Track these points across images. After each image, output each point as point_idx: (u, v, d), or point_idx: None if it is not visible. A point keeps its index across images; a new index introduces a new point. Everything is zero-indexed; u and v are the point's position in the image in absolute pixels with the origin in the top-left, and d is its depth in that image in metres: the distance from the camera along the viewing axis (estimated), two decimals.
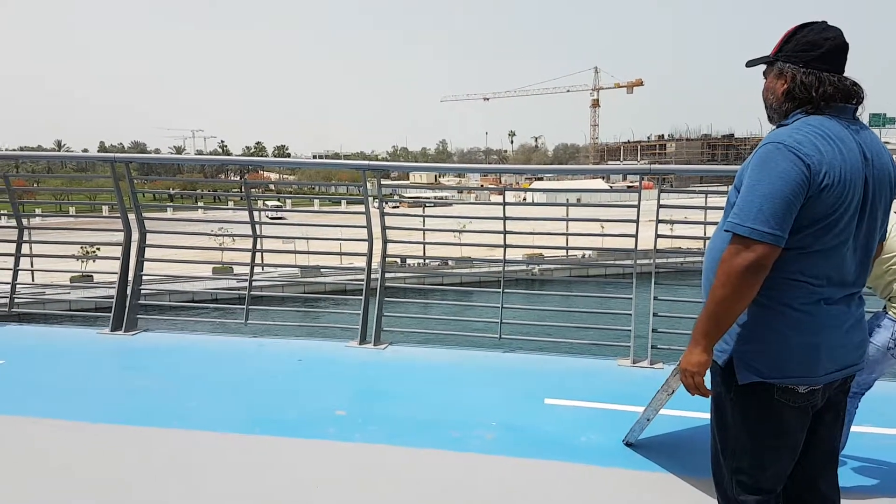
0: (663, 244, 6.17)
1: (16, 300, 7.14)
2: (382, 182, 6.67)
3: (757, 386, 2.38)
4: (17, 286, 7.20)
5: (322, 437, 4.26)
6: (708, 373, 2.42)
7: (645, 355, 5.91)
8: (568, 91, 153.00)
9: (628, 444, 4.19)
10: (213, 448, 4.11)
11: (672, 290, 6.32)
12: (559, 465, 3.96)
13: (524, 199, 58.13)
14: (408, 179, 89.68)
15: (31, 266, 8.33)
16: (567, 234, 7.67)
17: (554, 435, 4.39)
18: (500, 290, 6.36)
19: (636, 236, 6.07)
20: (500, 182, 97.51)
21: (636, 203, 6.01)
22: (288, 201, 39.24)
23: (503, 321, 6.24)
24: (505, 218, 6.30)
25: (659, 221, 5.94)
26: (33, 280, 8.83)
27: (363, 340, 6.29)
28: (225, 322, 7.38)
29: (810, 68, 2.35)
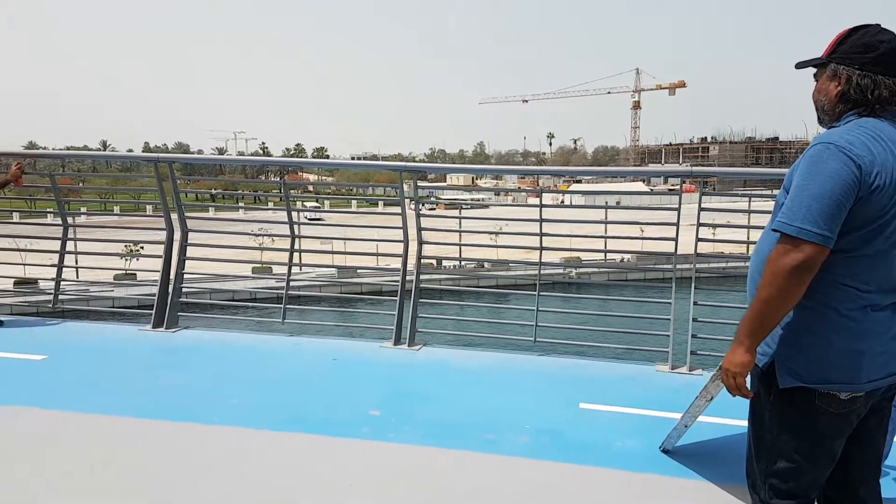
0: (704, 248, 6.06)
1: (60, 297, 7.32)
2: (419, 184, 6.68)
3: (797, 390, 2.33)
4: (62, 284, 7.38)
5: (356, 436, 4.26)
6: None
7: (684, 361, 5.82)
8: (608, 93, 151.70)
9: (665, 451, 4.12)
10: (250, 444, 4.14)
11: (713, 295, 6.19)
12: (594, 470, 3.90)
13: (562, 201, 57.79)
14: (445, 181, 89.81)
15: (76, 263, 8.52)
16: (605, 238, 7.61)
17: (589, 440, 4.34)
18: (536, 292, 6.31)
19: (676, 240, 5.97)
20: (538, 184, 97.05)
21: (676, 206, 5.92)
22: (326, 202, 39.63)
23: (538, 324, 6.19)
24: (541, 220, 6.25)
25: (700, 225, 5.84)
26: (78, 277, 9.03)
27: (397, 341, 6.30)
28: (263, 321, 7.46)
29: (865, 70, 2.30)
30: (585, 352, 6.75)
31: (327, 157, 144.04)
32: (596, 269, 34.62)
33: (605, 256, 36.53)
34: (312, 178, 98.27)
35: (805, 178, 2.19)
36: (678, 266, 5.98)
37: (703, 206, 5.75)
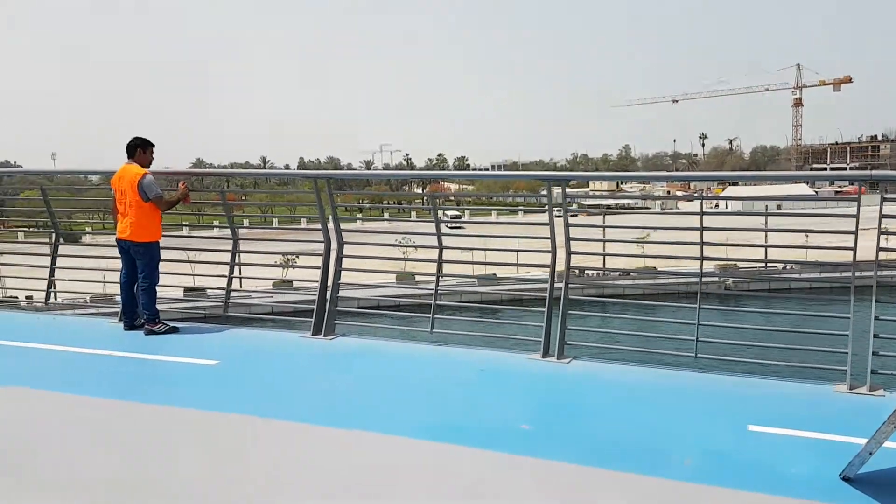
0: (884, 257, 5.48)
1: (228, 304, 7.84)
2: (558, 190, 6.53)
3: None
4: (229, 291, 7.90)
5: (506, 450, 4.21)
6: None
7: (863, 381, 5.29)
8: (766, 90, 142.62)
9: (846, 479, 3.75)
10: (404, 453, 4.22)
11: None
12: (766, 497, 3.64)
13: (716, 205, 55.04)
14: (587, 187, 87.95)
15: (240, 273, 9.11)
16: (766, 246, 7.13)
17: (759, 464, 4.05)
18: (697, 304, 5.95)
19: (854, 248, 5.45)
20: (690, 188, 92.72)
21: (851, 211, 5.42)
22: (466, 211, 40.12)
23: (699, 339, 5.84)
24: (702, 228, 5.91)
25: (882, 232, 5.30)
26: (241, 286, 9.67)
27: (546, 353, 6.17)
28: (412, 329, 7.60)
29: None
30: (752, 369, 6.30)
31: (468, 166, 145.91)
32: (754, 278, 32.50)
33: (766, 265, 34.28)
34: (454, 187, 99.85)
35: None
36: (856, 275, 5.45)
37: (884, 212, 5.23)
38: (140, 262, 6.98)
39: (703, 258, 6.00)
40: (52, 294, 8.70)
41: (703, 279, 6.04)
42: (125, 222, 6.94)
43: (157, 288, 7.09)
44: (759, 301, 25.24)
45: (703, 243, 5.98)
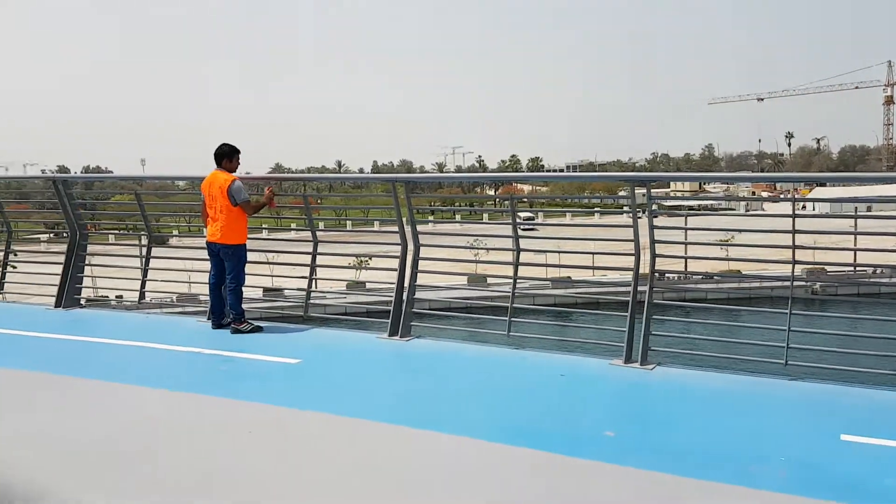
0: None
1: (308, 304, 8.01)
2: (639, 191, 6.35)
3: None
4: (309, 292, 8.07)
5: (591, 457, 4.13)
6: None
7: None
8: (856, 88, 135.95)
9: None
10: (485, 457, 4.20)
11: None
12: None
13: (803, 207, 52.74)
14: (668, 188, 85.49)
15: (316, 275, 9.29)
16: (855, 250, 6.77)
17: (855, 476, 3.87)
18: (788, 309, 5.70)
19: None
20: (776, 189, 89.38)
21: None
22: (539, 213, 39.78)
23: (790, 345, 5.59)
24: (794, 231, 5.66)
25: None
26: (317, 287, 9.87)
27: (628, 359, 6.02)
28: (488, 332, 7.58)
29: None
30: (844, 377, 6.00)
31: (542, 167, 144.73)
32: (842, 283, 30.98)
33: (855, 269, 32.66)
34: (527, 189, 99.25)
35: None
36: None
37: None
38: (228, 264, 7.24)
39: (794, 262, 5.75)
40: (143, 294, 9.08)
41: (794, 283, 5.79)
42: (215, 226, 7.21)
43: (243, 288, 7.31)
44: (848, 306, 24.03)
45: (794, 246, 5.73)
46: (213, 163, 7.34)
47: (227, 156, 7.32)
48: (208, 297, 7.65)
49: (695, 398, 5.32)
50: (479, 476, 3.96)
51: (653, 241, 6.15)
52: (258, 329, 7.27)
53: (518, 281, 6.96)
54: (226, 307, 7.35)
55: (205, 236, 7.39)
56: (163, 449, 4.40)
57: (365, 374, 6.12)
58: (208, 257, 7.48)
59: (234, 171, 7.36)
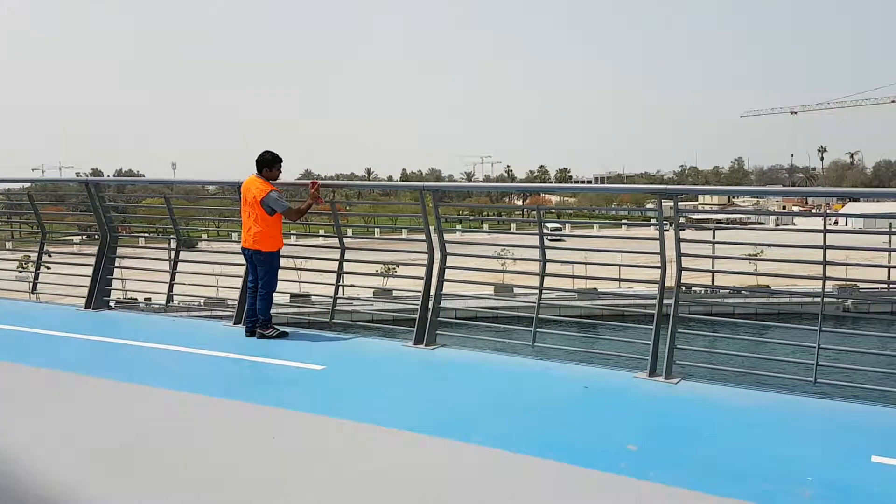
0: None
1: (334, 311, 8.05)
2: (666, 204, 6.28)
3: None
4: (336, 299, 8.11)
5: (612, 470, 4.09)
6: None
7: None
8: (893, 102, 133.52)
9: None
10: (506, 468, 4.18)
11: None
12: None
13: (835, 222, 52.00)
14: (696, 200, 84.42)
15: (343, 282, 9.34)
16: (889, 267, 6.65)
17: (886, 499, 3.78)
18: (818, 326, 5.60)
19: None
20: (807, 204, 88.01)
21: None
22: (567, 224, 39.59)
23: (819, 363, 5.49)
24: (825, 247, 5.57)
25: None
26: (343, 293, 9.92)
27: (653, 372, 5.97)
28: (513, 342, 7.55)
29: None
30: (875, 396, 5.87)
31: (570, 177, 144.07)
32: (874, 300, 30.31)
33: (889, 286, 32.00)
34: (554, 199, 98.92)
35: None
36: None
37: None
38: (261, 270, 7.23)
39: (825, 278, 5.65)
40: (171, 297, 9.21)
41: (825, 300, 5.69)
42: (249, 232, 7.19)
43: (274, 295, 7.34)
44: (881, 324, 23.52)
45: (825, 262, 5.64)
46: (226, 164, 7.31)
47: (268, 164, 7.26)
48: (237, 301, 7.72)
49: (720, 414, 5.24)
50: (501, 487, 3.94)
51: (679, 254, 6.09)
52: (284, 335, 7.30)
53: (543, 292, 6.93)
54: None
55: (233, 241, 7.44)
56: (186, 452, 4.45)
57: (389, 381, 6.14)
58: (243, 262, 7.51)
59: (275, 180, 7.29)
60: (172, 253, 9.14)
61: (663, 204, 6.20)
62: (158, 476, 4.07)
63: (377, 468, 4.17)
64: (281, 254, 7.37)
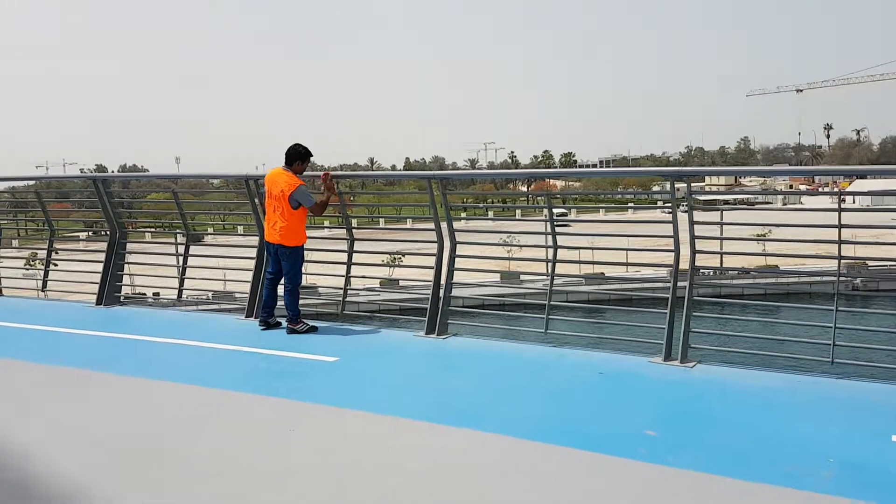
0: None
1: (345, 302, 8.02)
2: (677, 185, 6.23)
3: None
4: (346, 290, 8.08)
5: (632, 456, 4.07)
6: None
7: None
8: None
9: None
10: (520, 456, 4.17)
11: None
12: None
13: (843, 200, 51.48)
14: (702, 181, 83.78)
15: (349, 272, 9.30)
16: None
17: None
18: (834, 306, 5.55)
19: None
20: (814, 183, 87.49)
21: None
22: (573, 209, 39.44)
23: (836, 343, 5.45)
24: (840, 226, 5.51)
25: None
26: (351, 285, 9.88)
27: (668, 357, 5.93)
28: (525, 330, 7.51)
29: None
30: (894, 375, 5.83)
31: (575, 162, 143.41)
32: (884, 277, 30.11)
33: None
34: (559, 184, 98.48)
35: None
36: None
37: None
38: (286, 265, 7.16)
39: (840, 257, 5.58)
40: (181, 291, 9.20)
41: (827, 277, 5.63)
42: (274, 227, 7.10)
43: (299, 289, 7.25)
44: (893, 301, 23.35)
45: (840, 241, 5.57)
46: (226, 162, 7.22)
47: (301, 157, 7.13)
48: (247, 295, 7.68)
49: (739, 397, 5.21)
50: (519, 474, 3.93)
51: (693, 237, 6.03)
52: (313, 329, 7.22)
53: (554, 278, 6.89)
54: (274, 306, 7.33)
55: (239, 234, 7.40)
56: (202, 446, 4.45)
57: (403, 372, 6.12)
58: (251, 255, 7.44)
59: (301, 174, 7.17)
60: (181, 248, 9.14)
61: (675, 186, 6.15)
62: (177, 472, 4.06)
63: (395, 459, 4.15)
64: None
